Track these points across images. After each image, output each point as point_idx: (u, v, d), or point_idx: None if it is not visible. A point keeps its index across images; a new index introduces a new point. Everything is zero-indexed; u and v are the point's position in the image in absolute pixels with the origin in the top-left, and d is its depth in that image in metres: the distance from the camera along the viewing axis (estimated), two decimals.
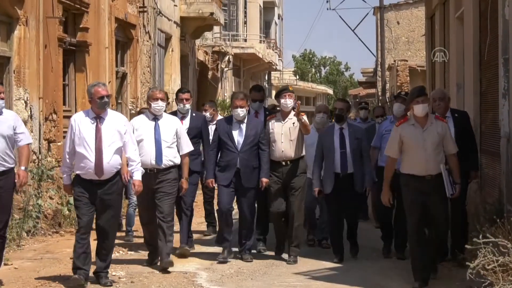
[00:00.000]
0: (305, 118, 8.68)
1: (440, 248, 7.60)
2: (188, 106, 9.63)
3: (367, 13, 35.15)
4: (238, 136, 8.55)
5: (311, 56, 64.37)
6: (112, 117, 7.36)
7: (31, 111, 13.43)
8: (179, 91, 10.25)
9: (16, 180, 7.31)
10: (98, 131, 7.06)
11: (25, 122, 12.54)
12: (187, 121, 9.46)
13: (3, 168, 7.10)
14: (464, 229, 8.37)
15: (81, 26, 16.64)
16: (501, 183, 9.56)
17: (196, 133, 9.36)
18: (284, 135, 8.55)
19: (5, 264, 9.50)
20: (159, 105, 8.29)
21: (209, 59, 31.58)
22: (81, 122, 7.16)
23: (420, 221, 6.97)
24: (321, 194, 9.05)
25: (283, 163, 8.60)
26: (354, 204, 9.25)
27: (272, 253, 9.38)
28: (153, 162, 8.18)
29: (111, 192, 7.17)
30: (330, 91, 51.27)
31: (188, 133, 9.10)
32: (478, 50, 13.37)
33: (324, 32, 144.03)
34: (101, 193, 7.07)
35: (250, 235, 8.89)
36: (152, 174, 8.16)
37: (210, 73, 30.89)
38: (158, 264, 8.61)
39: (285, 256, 9.06)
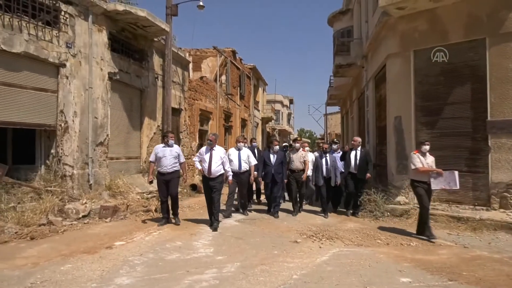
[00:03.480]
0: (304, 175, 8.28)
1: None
2: (242, 144, 8.69)
3: (321, 117, 44.36)
4: (273, 159, 8.24)
5: (303, 129, 71.22)
6: (218, 149, 6.96)
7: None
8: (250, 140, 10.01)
9: (182, 179, 7.55)
10: (210, 155, 6.82)
11: None
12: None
13: (174, 169, 7.09)
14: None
15: (230, 120, 19.70)
16: (389, 177, 9.18)
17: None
18: (297, 159, 8.26)
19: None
20: (240, 144, 8.16)
21: (271, 131, 36.25)
22: (203, 150, 6.97)
23: (428, 201, 6.33)
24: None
25: (296, 171, 8.26)
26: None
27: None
28: (237, 168, 7.95)
29: (216, 183, 6.88)
30: (308, 141, 56.49)
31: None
32: (357, 128, 15.26)
33: (307, 121, 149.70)
34: (212, 183, 6.87)
35: (279, 204, 8.46)
36: (237, 174, 7.92)
37: (271, 135, 34.66)
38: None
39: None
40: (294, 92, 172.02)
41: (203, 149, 7.06)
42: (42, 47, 7.49)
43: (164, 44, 11.38)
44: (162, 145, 7.28)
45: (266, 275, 4.43)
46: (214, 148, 6.91)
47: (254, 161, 8.33)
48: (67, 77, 8.10)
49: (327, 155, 8.45)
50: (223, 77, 19.03)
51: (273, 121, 36.38)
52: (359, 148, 8.28)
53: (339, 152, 9.10)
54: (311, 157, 9.09)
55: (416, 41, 8.24)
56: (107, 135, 9.30)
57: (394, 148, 8.57)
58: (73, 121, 8.24)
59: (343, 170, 8.65)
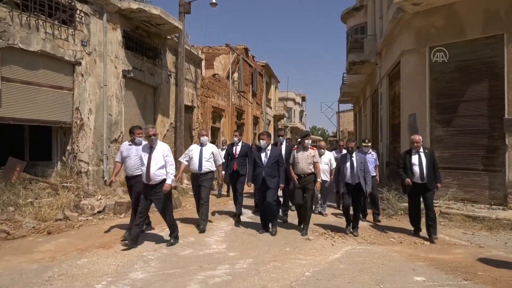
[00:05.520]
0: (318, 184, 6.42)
1: None
2: (237, 139, 7.67)
3: (333, 114, 43.50)
4: (264, 158, 6.31)
5: (315, 126, 69.36)
6: (160, 147, 5.47)
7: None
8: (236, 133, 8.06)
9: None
10: (149, 155, 5.35)
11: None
12: (239, 147, 7.53)
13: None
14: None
15: (242, 117, 19.78)
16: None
17: (244, 154, 7.41)
18: (304, 160, 6.34)
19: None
20: (204, 138, 6.66)
21: (283, 127, 35.14)
22: (143, 149, 5.52)
23: None
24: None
25: (302, 175, 6.33)
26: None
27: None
28: (196, 168, 6.51)
29: (159, 191, 5.35)
30: (321, 138, 54.92)
31: (240, 152, 7.44)
32: (371, 126, 15.49)
33: (320, 118, 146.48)
34: (152, 192, 5.38)
35: (275, 216, 6.47)
36: (197, 175, 6.55)
37: (280, 130, 35.38)
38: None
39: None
40: (307, 89, 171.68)
41: (144, 145, 5.66)
42: (58, 46, 7.63)
43: (177, 41, 11.51)
44: (128, 142, 6.08)
45: (279, 271, 4.44)
46: (154, 146, 5.45)
47: (220, 160, 6.89)
48: (82, 75, 8.26)
49: (354, 155, 6.38)
50: (236, 75, 19.04)
51: (285, 118, 36.29)
52: (421, 150, 6.13)
53: (370, 153, 7.57)
54: (328, 157, 7.98)
55: (432, 37, 8.14)
56: (121, 132, 9.41)
57: (408, 145, 8.32)
58: (88, 118, 8.40)
59: (374, 174, 7.37)
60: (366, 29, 15.74)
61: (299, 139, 6.72)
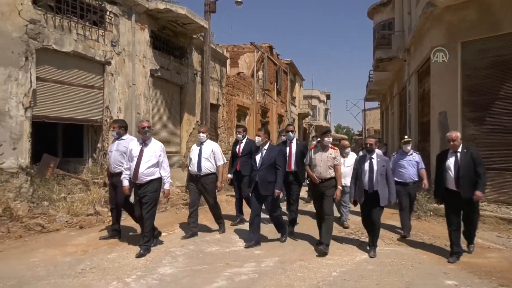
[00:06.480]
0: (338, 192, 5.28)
1: None
2: (240, 136, 6.94)
3: (359, 112, 40.33)
4: (259, 160, 5.46)
5: (340, 125, 68.12)
6: (153, 144, 5.13)
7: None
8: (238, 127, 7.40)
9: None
10: (141, 152, 4.99)
11: None
12: (243, 144, 6.85)
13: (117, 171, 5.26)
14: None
15: (267, 115, 19.83)
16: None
17: (248, 152, 6.62)
18: (323, 162, 5.28)
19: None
20: (201, 136, 6.01)
21: (307, 127, 35.36)
22: (133, 145, 5.12)
23: None
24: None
25: (320, 180, 5.25)
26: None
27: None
28: (196, 169, 5.88)
29: (146, 191, 4.92)
30: (345, 137, 53.79)
31: (243, 151, 6.79)
32: (398, 125, 15.33)
33: (345, 116, 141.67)
34: (141, 192, 4.95)
35: (282, 226, 5.80)
36: (197, 177, 5.91)
37: (308, 132, 34.62)
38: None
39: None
40: (332, 87, 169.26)
41: (133, 142, 5.27)
42: (89, 46, 7.88)
43: (203, 41, 11.60)
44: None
45: (305, 271, 4.41)
46: (147, 141, 5.08)
47: (222, 160, 6.07)
48: (112, 75, 8.49)
49: (374, 155, 5.27)
50: (260, 73, 19.07)
51: (309, 116, 36.00)
52: (460, 150, 5.03)
53: (411, 154, 6.31)
54: (353, 159, 6.54)
55: (464, 32, 7.88)
56: None
57: (438, 144, 8.22)
58: (117, 116, 8.60)
59: (415, 179, 6.24)
60: (394, 25, 15.47)
61: (318, 137, 5.92)
